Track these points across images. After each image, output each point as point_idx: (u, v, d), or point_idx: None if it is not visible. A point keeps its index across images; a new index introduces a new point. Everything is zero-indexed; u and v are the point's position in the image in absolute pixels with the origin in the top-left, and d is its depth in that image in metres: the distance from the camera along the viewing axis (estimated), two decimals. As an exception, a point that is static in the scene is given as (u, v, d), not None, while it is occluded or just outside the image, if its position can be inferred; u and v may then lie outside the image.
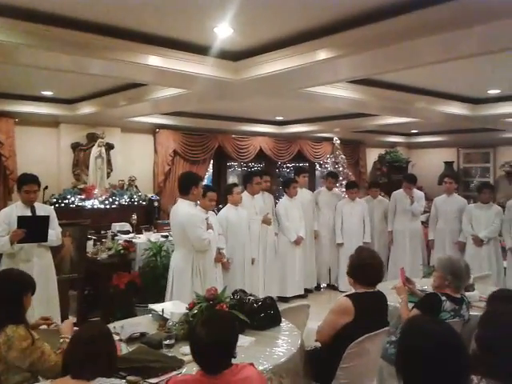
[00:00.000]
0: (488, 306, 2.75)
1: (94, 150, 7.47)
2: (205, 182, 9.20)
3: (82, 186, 7.36)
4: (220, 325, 2.01)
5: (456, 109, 6.65)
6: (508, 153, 10.87)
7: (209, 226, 4.27)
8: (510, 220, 5.82)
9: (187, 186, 4.16)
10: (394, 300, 3.37)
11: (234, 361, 2.00)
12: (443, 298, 3.01)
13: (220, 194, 5.23)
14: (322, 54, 3.82)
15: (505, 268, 5.94)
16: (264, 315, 2.97)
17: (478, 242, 5.84)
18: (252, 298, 3.08)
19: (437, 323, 1.72)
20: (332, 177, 7.29)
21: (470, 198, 7.21)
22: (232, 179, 10.01)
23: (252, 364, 2.08)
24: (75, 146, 7.62)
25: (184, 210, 4.11)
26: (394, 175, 10.96)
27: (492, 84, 5.76)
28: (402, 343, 1.64)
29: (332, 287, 7.03)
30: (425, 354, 1.52)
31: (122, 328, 2.83)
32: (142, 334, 2.79)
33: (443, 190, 6.55)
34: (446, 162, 11.37)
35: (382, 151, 11.71)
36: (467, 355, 1.57)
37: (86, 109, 6.72)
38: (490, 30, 3.09)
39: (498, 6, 2.84)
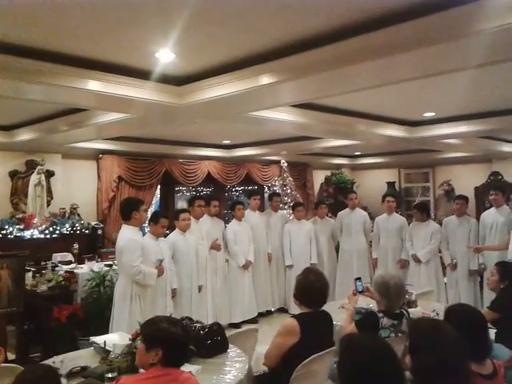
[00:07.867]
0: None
1: (33, 178, 7.16)
2: (153, 208, 9.11)
3: (20, 216, 7.02)
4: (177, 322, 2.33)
5: (395, 131, 6.93)
6: (446, 172, 11.39)
7: None
8: (447, 237, 6.09)
9: (127, 211, 4.14)
10: (341, 319, 3.39)
11: None
12: (380, 314, 3.01)
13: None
14: (265, 79, 3.90)
15: (445, 283, 6.15)
16: (211, 342, 2.92)
17: (417, 260, 6.05)
18: (198, 324, 3.02)
19: (371, 339, 1.76)
20: (276, 195, 7.35)
21: (412, 217, 7.44)
22: (181, 204, 9.88)
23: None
24: (13, 174, 7.30)
25: (124, 235, 4.08)
26: (340, 196, 11.17)
27: (427, 107, 6.04)
28: (340, 360, 1.68)
29: (282, 310, 7.01)
30: (361, 368, 1.56)
31: (62, 362, 2.70)
32: (83, 368, 2.68)
33: (384, 208, 6.75)
34: (388, 183, 11.75)
35: (328, 173, 11.98)
36: (401, 368, 1.62)
37: (24, 135, 6.47)
38: (423, 54, 3.23)
39: (432, 32, 2.98)
